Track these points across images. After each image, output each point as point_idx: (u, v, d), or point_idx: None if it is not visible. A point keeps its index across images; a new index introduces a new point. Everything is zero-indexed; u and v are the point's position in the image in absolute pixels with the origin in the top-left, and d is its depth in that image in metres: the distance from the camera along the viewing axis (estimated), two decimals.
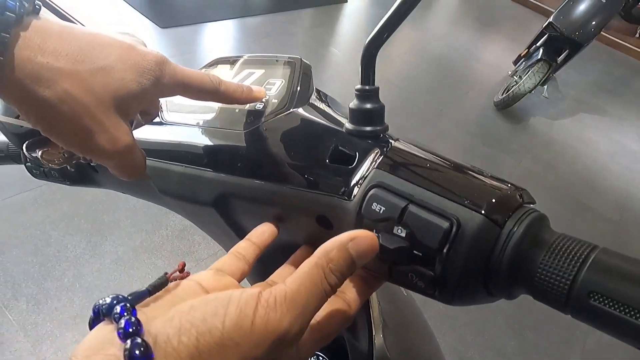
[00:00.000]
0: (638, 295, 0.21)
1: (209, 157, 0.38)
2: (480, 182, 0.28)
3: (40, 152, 0.42)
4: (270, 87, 0.39)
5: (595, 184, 2.77)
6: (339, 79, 2.94)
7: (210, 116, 0.41)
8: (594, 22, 2.72)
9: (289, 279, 0.24)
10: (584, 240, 0.24)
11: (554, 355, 1.70)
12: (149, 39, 2.68)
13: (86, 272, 1.48)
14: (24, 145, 0.42)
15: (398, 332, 0.48)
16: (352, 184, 0.31)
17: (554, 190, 2.59)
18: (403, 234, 0.27)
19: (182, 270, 0.27)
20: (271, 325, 0.22)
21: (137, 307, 0.22)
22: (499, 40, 4.48)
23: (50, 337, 1.31)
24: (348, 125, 0.34)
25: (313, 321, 0.26)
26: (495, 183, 0.29)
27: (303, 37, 3.37)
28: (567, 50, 2.84)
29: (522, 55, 3.12)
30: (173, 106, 0.44)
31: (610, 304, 0.22)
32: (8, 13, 0.25)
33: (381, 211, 0.28)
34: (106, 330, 0.22)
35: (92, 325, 0.23)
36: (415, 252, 0.27)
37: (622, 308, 0.21)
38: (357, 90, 0.33)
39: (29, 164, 0.48)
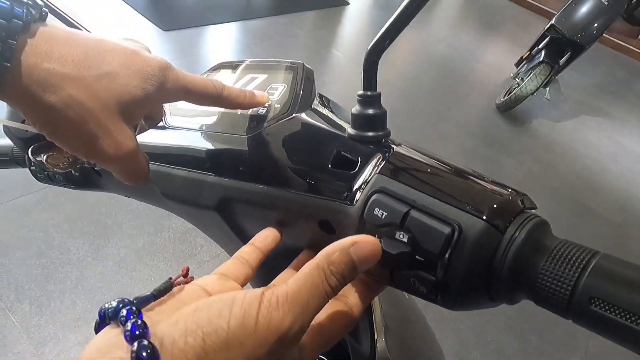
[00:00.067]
0: (639, 301, 0.21)
1: (212, 161, 0.38)
2: (481, 188, 0.29)
3: (45, 157, 0.42)
4: (273, 92, 0.40)
5: (597, 185, 2.76)
6: (340, 81, 2.95)
7: (213, 121, 0.41)
8: (596, 24, 2.72)
9: (290, 280, 0.24)
10: (585, 246, 0.24)
11: (556, 359, 1.69)
12: (152, 41, 2.69)
13: (89, 275, 1.49)
14: (29, 149, 0.43)
15: (400, 335, 0.49)
16: (355, 189, 0.31)
17: (555, 192, 2.59)
18: (405, 239, 0.27)
19: (186, 275, 0.27)
20: (273, 324, 0.22)
21: (142, 311, 0.23)
22: (500, 42, 4.48)
23: (53, 339, 1.31)
24: (350, 130, 0.34)
25: (316, 325, 0.26)
26: (496, 188, 0.29)
27: (305, 39, 3.37)
28: (569, 53, 2.84)
29: (524, 57, 3.12)
30: (176, 111, 0.44)
31: (611, 309, 0.22)
32: (15, 20, 0.25)
33: (383, 216, 0.29)
34: (112, 333, 0.22)
35: (97, 329, 0.23)
36: (417, 257, 0.27)
37: (623, 314, 0.22)
38: (359, 95, 0.33)
39: (34, 168, 0.49)
